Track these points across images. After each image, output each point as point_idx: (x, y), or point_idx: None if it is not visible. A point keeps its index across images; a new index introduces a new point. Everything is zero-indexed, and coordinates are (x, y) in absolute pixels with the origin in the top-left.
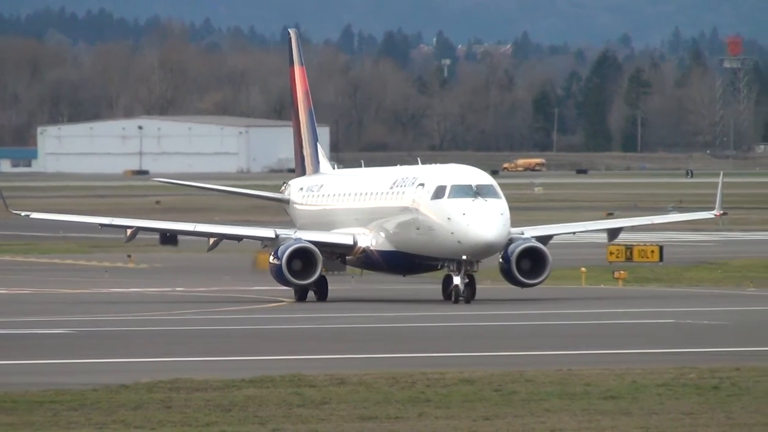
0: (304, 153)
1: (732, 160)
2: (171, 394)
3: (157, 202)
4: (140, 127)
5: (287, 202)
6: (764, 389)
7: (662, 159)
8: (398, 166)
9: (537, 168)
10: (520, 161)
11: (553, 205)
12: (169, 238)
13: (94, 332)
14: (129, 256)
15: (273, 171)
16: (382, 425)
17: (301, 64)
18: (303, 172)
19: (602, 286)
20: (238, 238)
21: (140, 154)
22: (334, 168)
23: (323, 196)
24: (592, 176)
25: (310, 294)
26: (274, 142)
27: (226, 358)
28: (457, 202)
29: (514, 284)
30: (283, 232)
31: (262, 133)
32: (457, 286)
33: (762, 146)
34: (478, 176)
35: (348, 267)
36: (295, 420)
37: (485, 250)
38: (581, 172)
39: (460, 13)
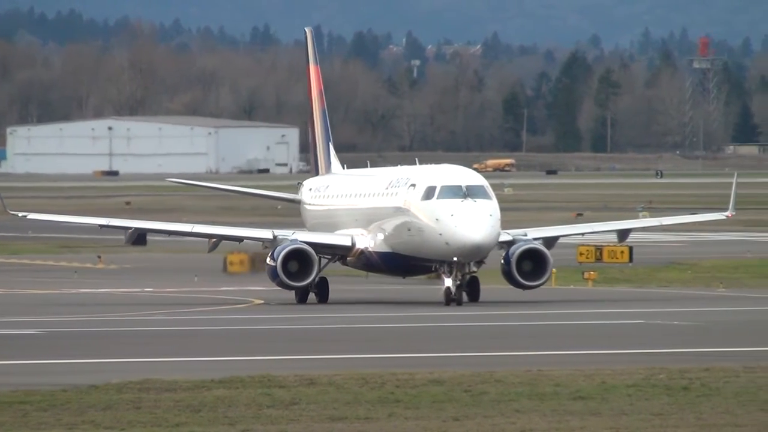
0: (318, 153)
1: (701, 160)
2: (141, 394)
3: (127, 203)
4: (110, 128)
5: (299, 202)
6: (734, 390)
7: (632, 159)
8: (400, 166)
9: (506, 168)
10: (490, 162)
11: (522, 206)
12: (138, 238)
13: (63, 333)
14: (99, 256)
15: (242, 171)
16: (351, 426)
17: (316, 63)
18: (317, 173)
19: (572, 286)
20: (239, 239)
21: (110, 154)
22: (343, 168)
23: (328, 196)
24: (562, 177)
25: (311, 296)
26: (244, 143)
27: (195, 359)
28: (446, 203)
29: (514, 286)
30: (281, 233)
31: (231, 134)
32: (448, 288)
33: (731, 147)
34: (469, 177)
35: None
36: (265, 420)
37: (473, 251)
38: (551, 172)
39: (429, 14)
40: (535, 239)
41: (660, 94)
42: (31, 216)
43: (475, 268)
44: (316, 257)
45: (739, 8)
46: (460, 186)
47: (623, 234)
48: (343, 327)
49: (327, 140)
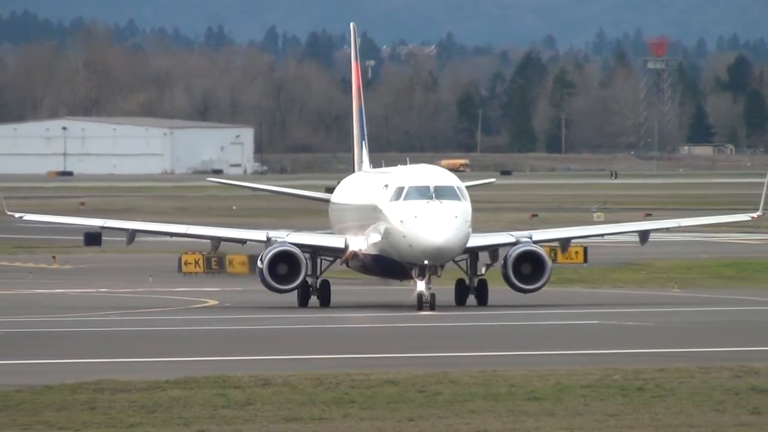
0: (354, 151)
1: (656, 161)
2: (95, 395)
3: (82, 204)
4: (64, 128)
5: (327, 201)
6: (688, 390)
7: (587, 160)
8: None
9: (461, 169)
10: (444, 162)
11: (477, 206)
12: (93, 238)
13: (17, 333)
14: (53, 257)
15: (197, 172)
16: (306, 426)
17: (356, 59)
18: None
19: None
20: (242, 241)
21: (64, 155)
22: (370, 166)
23: (342, 196)
24: (517, 177)
25: (313, 299)
26: (199, 143)
27: (150, 360)
28: (411, 204)
29: (512, 289)
30: (275, 235)
31: (186, 135)
32: (421, 293)
33: (686, 147)
34: (439, 177)
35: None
36: (220, 421)
37: (435, 254)
38: (505, 173)
39: (384, 14)
40: (538, 241)
41: (615, 95)
42: (27, 217)
43: (438, 273)
44: (303, 260)
45: (694, 9)
46: (428, 187)
47: (644, 235)
48: (296, 328)
49: (361, 138)
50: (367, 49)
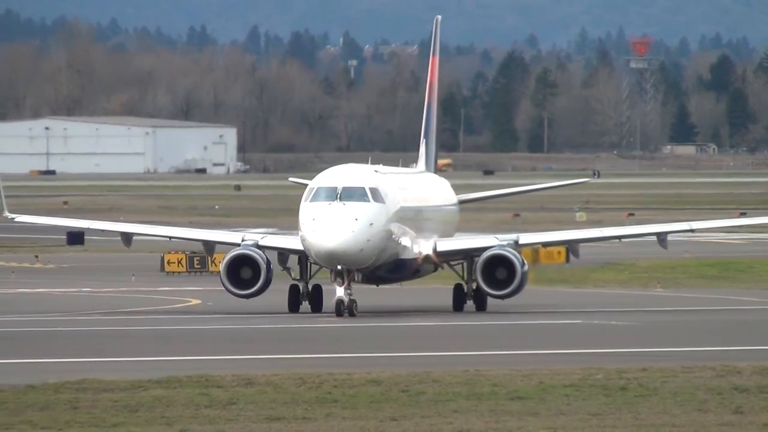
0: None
1: (639, 160)
2: (78, 394)
3: (65, 203)
4: (47, 128)
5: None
6: (671, 390)
7: (569, 160)
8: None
9: (443, 169)
10: None
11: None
12: (76, 237)
13: None
14: (36, 256)
15: (180, 171)
16: (289, 426)
17: (434, 54)
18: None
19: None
20: (213, 244)
21: (47, 154)
22: (424, 164)
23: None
24: (499, 177)
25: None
26: (181, 143)
27: (133, 359)
28: (314, 206)
29: (485, 295)
30: (249, 237)
31: (168, 134)
32: (340, 298)
33: (669, 147)
34: (354, 178)
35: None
36: (203, 420)
37: (328, 258)
38: (488, 172)
39: (366, 14)
40: (524, 245)
41: (597, 94)
42: (19, 218)
43: (356, 278)
44: (263, 263)
45: (676, 8)
46: (335, 188)
47: (661, 237)
48: (279, 327)
49: (424, 135)
50: (350, 49)
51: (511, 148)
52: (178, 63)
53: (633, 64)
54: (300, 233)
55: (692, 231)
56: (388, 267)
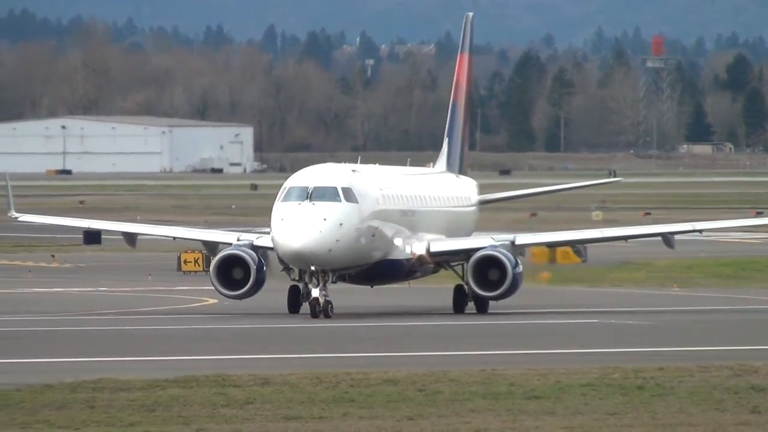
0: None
1: (655, 160)
2: (95, 394)
3: (81, 202)
4: (63, 127)
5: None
6: (688, 389)
7: (585, 159)
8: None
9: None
10: None
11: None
12: (93, 236)
13: (17, 332)
14: (53, 255)
15: (196, 170)
16: (306, 425)
17: (463, 51)
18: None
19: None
20: (212, 243)
21: (63, 153)
22: (445, 164)
23: None
24: (516, 176)
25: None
26: (197, 142)
27: (149, 358)
28: (284, 206)
29: (476, 297)
30: (245, 237)
31: (185, 133)
32: (315, 299)
33: (685, 146)
34: (327, 178)
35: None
36: (220, 420)
37: (295, 259)
38: (504, 172)
39: (382, 13)
40: (523, 245)
41: (613, 94)
42: (22, 218)
43: (332, 279)
44: (252, 264)
45: (692, 7)
46: (306, 187)
47: (666, 237)
48: (295, 327)
49: (448, 135)
50: (366, 49)
51: (527, 148)
52: (194, 62)
53: (649, 64)
54: (270, 233)
55: (699, 232)
56: (376, 267)
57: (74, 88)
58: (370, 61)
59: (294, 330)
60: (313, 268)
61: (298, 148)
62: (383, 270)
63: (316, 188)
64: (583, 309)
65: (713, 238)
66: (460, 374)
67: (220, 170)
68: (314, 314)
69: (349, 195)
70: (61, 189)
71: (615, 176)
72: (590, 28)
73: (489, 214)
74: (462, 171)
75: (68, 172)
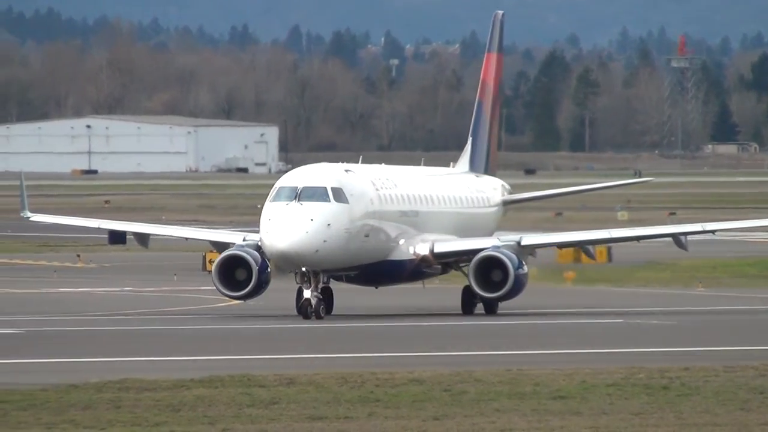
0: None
1: (680, 159)
2: (120, 394)
3: (107, 202)
4: (88, 127)
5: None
6: (713, 389)
7: (610, 159)
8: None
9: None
10: None
11: None
12: (118, 236)
13: (42, 332)
14: (78, 255)
15: (221, 170)
16: (331, 425)
17: (490, 50)
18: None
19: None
20: (218, 244)
21: (89, 153)
22: (467, 165)
23: None
24: (540, 176)
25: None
26: (223, 142)
27: (175, 358)
28: (272, 206)
29: (479, 298)
30: (251, 237)
31: (210, 133)
32: (307, 300)
33: (710, 146)
34: (316, 178)
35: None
36: (245, 420)
37: (281, 259)
38: (529, 172)
39: (407, 13)
40: (528, 246)
41: (638, 93)
42: (34, 218)
43: (324, 279)
44: (255, 264)
45: (717, 7)
46: (296, 188)
47: (677, 238)
48: (320, 327)
49: (471, 134)
50: (391, 48)
51: (552, 148)
52: (219, 62)
53: (674, 63)
54: (259, 234)
55: (712, 232)
56: (377, 268)
57: (99, 88)
58: (395, 61)
59: (318, 330)
60: (304, 269)
61: (324, 148)
62: (385, 271)
63: (305, 188)
64: (607, 309)
65: (739, 238)
66: (485, 374)
67: (245, 170)
68: (306, 315)
69: (339, 195)
70: (87, 189)
71: (640, 176)
72: (615, 28)
73: (514, 214)
74: (488, 171)
75: (94, 172)
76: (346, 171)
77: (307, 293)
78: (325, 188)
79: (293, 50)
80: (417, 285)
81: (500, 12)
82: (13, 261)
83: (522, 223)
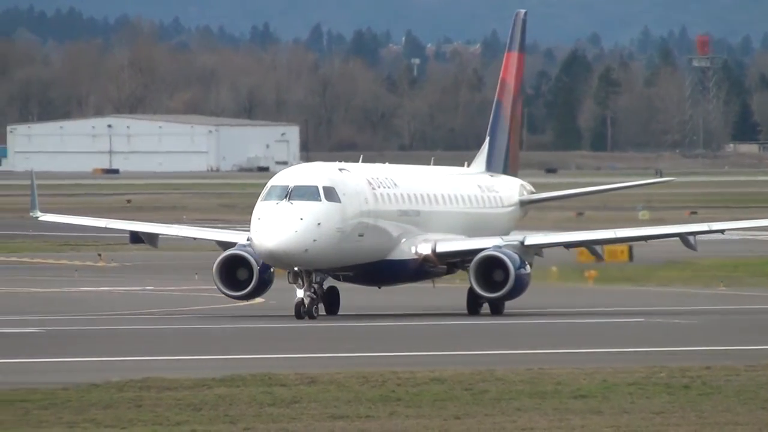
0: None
1: (701, 159)
2: (142, 393)
3: (128, 201)
4: (110, 126)
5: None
6: (735, 388)
7: (632, 158)
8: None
9: None
10: None
11: None
12: (139, 236)
13: (64, 331)
14: (99, 254)
15: (243, 170)
16: (352, 424)
17: (511, 49)
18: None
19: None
20: (223, 243)
21: (110, 152)
22: (483, 166)
23: None
24: (562, 175)
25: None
26: (244, 141)
27: (196, 357)
28: (263, 206)
29: (479, 298)
30: None
31: (231, 132)
32: (300, 300)
33: (731, 145)
34: (308, 177)
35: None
36: (266, 419)
37: (270, 259)
38: (551, 171)
39: (428, 12)
40: (533, 246)
41: (660, 93)
42: (43, 217)
43: (317, 279)
44: (256, 264)
45: (739, 6)
46: (287, 186)
47: (684, 238)
48: (341, 326)
49: (489, 134)
50: (412, 48)
51: (574, 147)
52: (240, 61)
53: (695, 63)
54: (249, 233)
55: (721, 232)
56: (376, 268)
57: (121, 87)
58: (416, 61)
59: (338, 329)
60: (296, 269)
61: (345, 147)
62: (385, 270)
63: (296, 187)
64: (628, 308)
65: (761, 237)
66: (506, 373)
67: (266, 168)
68: (299, 315)
69: (330, 194)
70: (108, 188)
71: (661, 176)
72: (637, 28)
73: (535, 213)
74: (508, 170)
75: (115, 171)
76: (340, 170)
77: (300, 293)
78: (317, 187)
79: (314, 49)
80: (426, 285)
81: (522, 11)
82: (35, 260)
83: (543, 223)
